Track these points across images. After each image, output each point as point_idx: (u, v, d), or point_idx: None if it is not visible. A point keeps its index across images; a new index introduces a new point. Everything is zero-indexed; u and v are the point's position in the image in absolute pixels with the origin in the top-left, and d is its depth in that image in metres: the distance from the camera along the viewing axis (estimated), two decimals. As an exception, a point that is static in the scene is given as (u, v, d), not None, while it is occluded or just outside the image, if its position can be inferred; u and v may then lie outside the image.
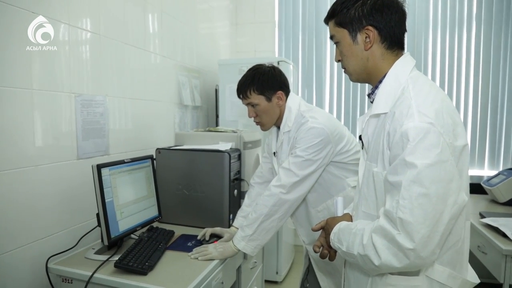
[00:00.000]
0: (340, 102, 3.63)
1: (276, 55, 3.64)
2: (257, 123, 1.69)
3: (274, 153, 1.73)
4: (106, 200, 1.40)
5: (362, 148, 1.10)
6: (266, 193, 1.51)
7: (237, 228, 1.74)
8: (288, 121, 1.62)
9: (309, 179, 1.52)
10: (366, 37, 1.02)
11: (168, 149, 1.96)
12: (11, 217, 1.36)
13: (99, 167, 1.39)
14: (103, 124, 1.81)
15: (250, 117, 1.67)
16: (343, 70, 1.13)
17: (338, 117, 3.63)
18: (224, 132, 2.17)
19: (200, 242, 1.66)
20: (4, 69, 1.31)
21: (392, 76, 1.00)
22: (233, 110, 2.92)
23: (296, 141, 1.54)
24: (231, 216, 1.89)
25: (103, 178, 1.39)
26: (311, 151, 1.49)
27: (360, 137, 1.11)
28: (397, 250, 0.85)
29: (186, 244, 1.65)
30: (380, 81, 1.03)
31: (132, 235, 1.66)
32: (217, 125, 3.14)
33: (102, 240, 1.48)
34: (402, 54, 1.04)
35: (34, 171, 1.44)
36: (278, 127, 1.69)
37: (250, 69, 1.65)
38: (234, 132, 2.15)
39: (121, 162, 1.53)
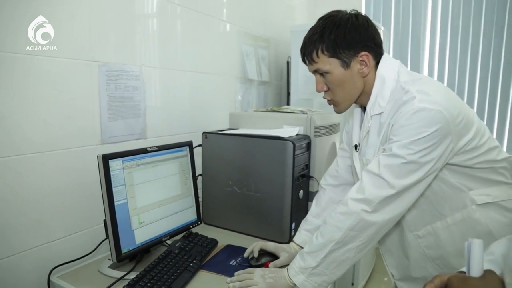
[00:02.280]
0: (442, 79, 2.85)
1: (364, 17, 2.98)
2: (329, 102, 1.15)
3: (356, 146, 1.18)
4: (115, 203, 1.04)
5: None
6: (341, 209, 1.00)
7: (300, 247, 1.28)
8: (379, 98, 1.06)
9: (411, 192, 0.97)
10: None
11: (217, 133, 1.55)
12: (11, 214, 1.08)
13: (106, 158, 1.02)
14: (137, 101, 1.46)
15: (318, 90, 1.13)
16: None
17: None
18: (290, 113, 1.69)
19: (247, 262, 1.23)
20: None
21: None
22: (308, 86, 2.40)
23: (393, 131, 0.98)
24: (293, 225, 1.43)
25: (112, 173, 1.03)
26: (417, 148, 0.93)
27: None
28: None
29: (228, 262, 1.24)
30: None
31: (167, 241, 1.30)
32: (288, 104, 2.66)
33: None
34: None
35: (41, 158, 1.14)
36: (364, 108, 1.14)
37: (320, 19, 1.10)
38: (303, 113, 1.66)
39: (142, 151, 1.15)
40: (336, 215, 1.00)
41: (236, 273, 1.13)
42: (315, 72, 1.11)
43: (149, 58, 1.51)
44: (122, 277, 1.09)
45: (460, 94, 2.80)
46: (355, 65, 1.06)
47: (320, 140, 1.59)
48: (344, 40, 1.03)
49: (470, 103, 2.78)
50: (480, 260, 0.64)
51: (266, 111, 1.79)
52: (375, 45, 1.07)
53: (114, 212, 1.04)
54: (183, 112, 1.74)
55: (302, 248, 1.27)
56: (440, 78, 2.85)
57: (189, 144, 1.37)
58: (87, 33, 1.25)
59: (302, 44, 1.11)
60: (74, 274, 1.13)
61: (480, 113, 2.77)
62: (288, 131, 1.54)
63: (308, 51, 1.09)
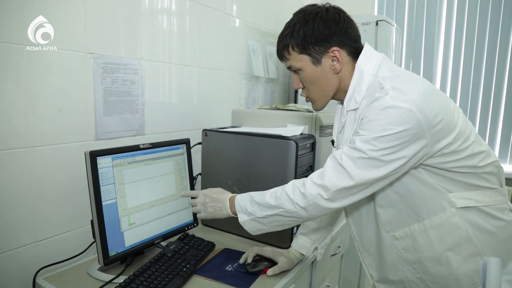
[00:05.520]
0: (456, 81, 2.74)
1: (375, 13, 2.87)
2: (306, 100, 1.12)
3: (333, 141, 1.15)
4: (103, 203, 0.98)
5: None
6: (300, 188, 0.96)
7: (299, 253, 1.22)
8: (356, 93, 1.00)
9: (371, 187, 0.92)
10: None
11: (217, 131, 1.48)
12: (-3, 212, 1.03)
13: (94, 155, 0.97)
14: (135, 96, 1.40)
15: (295, 88, 1.11)
16: None
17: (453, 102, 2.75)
18: (295, 111, 1.62)
19: (244, 267, 1.17)
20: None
21: None
22: (316, 84, 2.33)
23: (361, 124, 0.93)
24: (294, 229, 1.36)
25: (100, 171, 0.97)
26: (381, 145, 0.87)
27: None
28: None
29: (224, 267, 1.17)
30: None
31: (161, 243, 1.24)
32: (295, 102, 2.58)
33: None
34: None
35: (30, 153, 1.09)
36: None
37: (294, 13, 1.06)
38: (309, 111, 1.58)
39: (134, 148, 1.09)
40: (295, 189, 0.97)
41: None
42: (289, 68, 1.08)
43: (150, 51, 1.45)
44: (110, 281, 1.04)
45: (475, 94, 2.69)
46: (327, 61, 1.01)
47: (325, 140, 1.51)
48: (313, 35, 0.99)
49: (485, 104, 2.68)
50: (497, 280, 0.56)
51: (270, 109, 1.71)
52: (349, 39, 1.01)
53: (102, 212, 0.98)
54: (184, 108, 1.68)
55: (302, 254, 1.22)
56: (455, 78, 2.74)
57: (186, 142, 1.31)
58: (82, 23, 1.19)
59: (277, 39, 1.08)
60: (61, 276, 1.08)
61: (495, 114, 2.67)
62: (292, 130, 1.47)
63: (280, 47, 1.06)
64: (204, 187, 1.52)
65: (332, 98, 1.09)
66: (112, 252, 1.02)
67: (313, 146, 1.47)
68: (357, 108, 0.99)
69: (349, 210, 1.14)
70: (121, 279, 1.02)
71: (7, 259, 1.06)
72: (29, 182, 1.09)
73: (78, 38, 1.19)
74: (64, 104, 1.17)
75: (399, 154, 0.87)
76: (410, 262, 1.02)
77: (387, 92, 0.90)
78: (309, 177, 0.97)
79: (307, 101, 1.13)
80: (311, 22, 0.99)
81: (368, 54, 1.02)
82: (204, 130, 1.49)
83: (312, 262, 1.37)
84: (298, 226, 1.33)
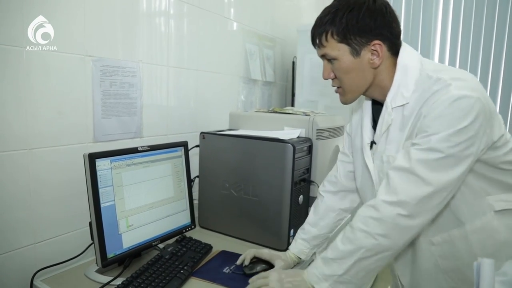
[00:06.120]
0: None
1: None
2: (337, 90, 1.06)
3: (372, 143, 1.06)
4: (102, 205, 0.98)
5: None
6: (372, 214, 0.89)
7: (297, 256, 1.22)
8: (403, 88, 0.95)
9: (448, 194, 0.87)
10: None
11: (214, 133, 1.49)
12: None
13: (93, 157, 0.97)
14: (134, 98, 1.41)
15: (324, 77, 1.03)
16: None
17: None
18: (292, 114, 1.63)
19: (241, 269, 1.17)
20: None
21: None
22: (313, 87, 2.35)
23: (426, 122, 0.87)
24: (291, 231, 1.37)
25: (98, 173, 0.98)
26: (458, 140, 0.83)
27: None
28: None
29: (222, 269, 1.18)
30: None
31: (159, 245, 1.24)
32: (292, 105, 2.59)
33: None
34: None
35: (29, 155, 1.09)
36: (375, 101, 1.06)
37: None
38: (306, 114, 1.59)
39: (132, 150, 1.10)
40: (366, 219, 0.89)
41: (250, 280, 1.04)
42: (322, 57, 1.02)
43: (148, 54, 1.46)
44: (108, 283, 1.04)
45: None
46: (366, 54, 0.96)
47: (322, 143, 1.52)
48: (356, 25, 0.93)
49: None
50: (490, 281, 0.57)
51: (267, 112, 1.72)
52: (392, 34, 0.96)
53: (100, 214, 0.98)
54: (183, 111, 1.69)
55: (300, 258, 1.22)
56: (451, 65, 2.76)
57: (184, 145, 1.31)
58: (81, 25, 1.20)
59: (313, 24, 1.01)
60: (58, 278, 1.08)
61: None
62: (289, 133, 1.48)
63: (317, 33, 0.99)
64: (201, 189, 1.52)
65: (363, 94, 1.04)
66: (110, 254, 1.03)
67: (310, 149, 1.48)
68: (406, 104, 0.94)
69: None
70: (118, 281, 1.03)
71: (4, 261, 1.06)
72: (28, 183, 1.10)
73: (77, 41, 1.19)
74: (63, 106, 1.17)
75: (472, 148, 0.84)
76: (446, 270, 0.98)
77: (449, 83, 0.85)
78: (377, 199, 0.90)
79: (336, 92, 1.06)
80: (356, 10, 0.93)
81: (408, 50, 0.99)
82: (201, 133, 1.50)
83: (309, 265, 1.38)
84: (296, 229, 1.34)
